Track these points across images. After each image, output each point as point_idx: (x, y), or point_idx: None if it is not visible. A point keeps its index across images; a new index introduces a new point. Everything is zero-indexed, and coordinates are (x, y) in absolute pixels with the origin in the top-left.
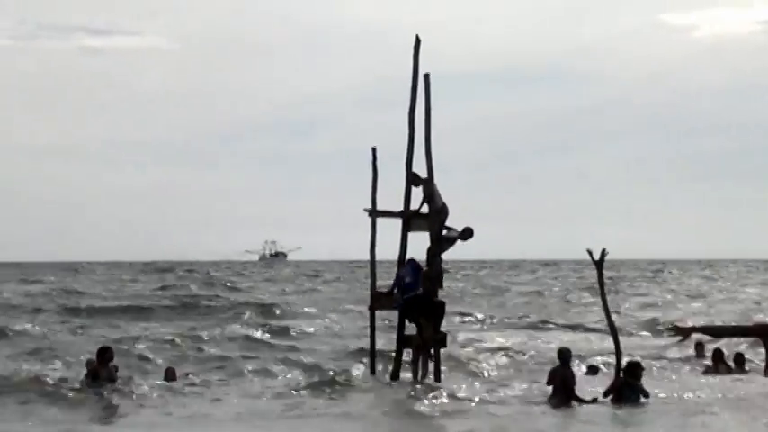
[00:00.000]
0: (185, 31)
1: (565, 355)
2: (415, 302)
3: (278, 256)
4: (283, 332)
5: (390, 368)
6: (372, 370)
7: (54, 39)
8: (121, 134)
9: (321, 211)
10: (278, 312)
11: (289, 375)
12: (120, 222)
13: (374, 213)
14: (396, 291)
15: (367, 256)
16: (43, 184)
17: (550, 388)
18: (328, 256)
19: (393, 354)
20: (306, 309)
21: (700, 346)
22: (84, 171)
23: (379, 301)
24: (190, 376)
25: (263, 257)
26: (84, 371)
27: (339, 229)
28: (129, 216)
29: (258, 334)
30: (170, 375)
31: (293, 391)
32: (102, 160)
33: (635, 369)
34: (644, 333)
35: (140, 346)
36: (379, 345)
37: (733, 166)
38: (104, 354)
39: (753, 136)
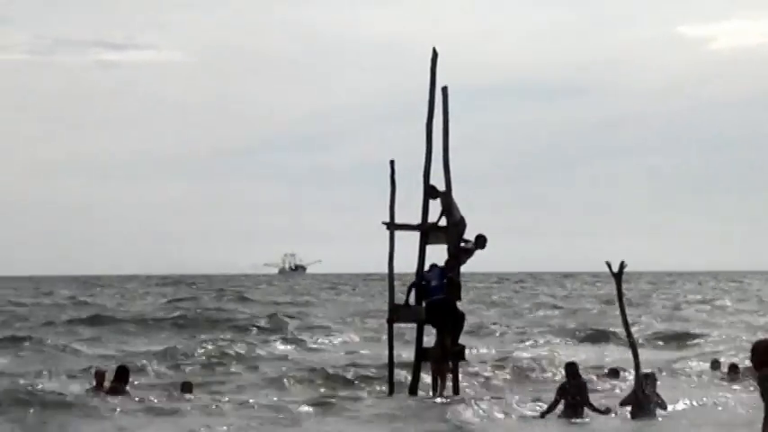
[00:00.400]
0: (202, 45)
1: (572, 368)
2: (439, 306)
3: (297, 269)
4: (299, 343)
5: (408, 381)
6: (391, 382)
7: (71, 53)
8: (139, 147)
9: (341, 225)
10: (293, 324)
11: (301, 387)
12: (137, 236)
13: (392, 226)
14: (413, 300)
15: (385, 269)
16: (61, 198)
17: (561, 403)
18: (348, 269)
19: (411, 364)
20: (320, 320)
21: (716, 363)
22: (102, 185)
23: (397, 313)
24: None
25: (282, 271)
26: (94, 382)
27: (359, 242)
28: (147, 229)
29: (274, 346)
30: (186, 388)
31: (304, 404)
32: (121, 174)
33: (648, 380)
34: (658, 344)
35: (156, 360)
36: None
37: (751, 177)
38: (123, 373)
39: None
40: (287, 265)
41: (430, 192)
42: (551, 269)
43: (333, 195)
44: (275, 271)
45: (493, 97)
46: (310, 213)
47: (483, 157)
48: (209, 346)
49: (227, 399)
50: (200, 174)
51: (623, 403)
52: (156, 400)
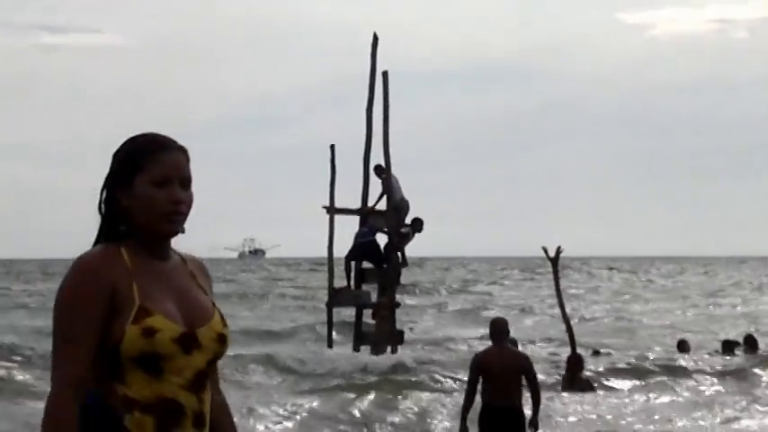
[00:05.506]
0: (144, 29)
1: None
2: (366, 248)
3: (257, 253)
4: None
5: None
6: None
7: (11, 36)
8: (79, 132)
9: (296, 208)
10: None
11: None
12: (82, 222)
13: (332, 210)
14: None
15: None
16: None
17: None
18: (307, 253)
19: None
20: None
21: (728, 344)
22: (42, 170)
23: (336, 297)
24: None
25: (242, 255)
26: None
27: (313, 225)
28: (92, 216)
29: None
30: None
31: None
32: (60, 159)
33: (577, 361)
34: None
35: None
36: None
37: (688, 163)
38: None
39: (709, 133)
40: (247, 249)
41: (377, 171)
42: (497, 253)
43: (286, 179)
44: (235, 255)
45: (437, 82)
46: (265, 197)
47: (426, 140)
48: None
49: None
50: None
51: (565, 389)
52: None
